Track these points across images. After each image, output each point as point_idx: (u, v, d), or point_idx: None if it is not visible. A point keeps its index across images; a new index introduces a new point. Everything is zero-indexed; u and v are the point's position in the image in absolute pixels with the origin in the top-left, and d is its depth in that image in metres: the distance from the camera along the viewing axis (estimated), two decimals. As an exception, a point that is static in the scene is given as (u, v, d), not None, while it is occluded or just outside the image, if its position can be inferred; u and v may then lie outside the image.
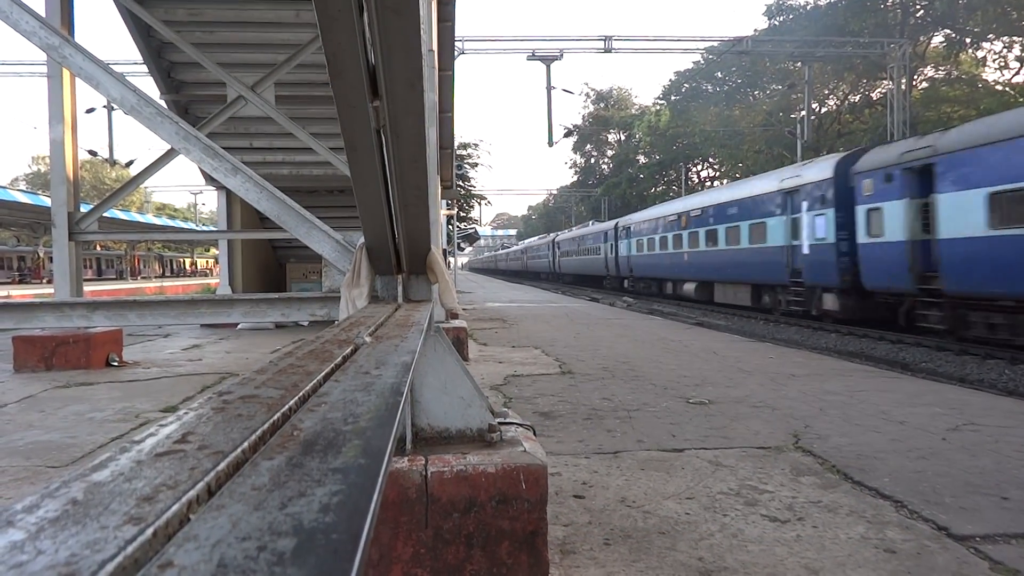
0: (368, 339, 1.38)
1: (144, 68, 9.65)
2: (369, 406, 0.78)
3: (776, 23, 40.69)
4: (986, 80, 35.14)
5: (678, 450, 3.68)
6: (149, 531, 0.41)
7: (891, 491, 2.98)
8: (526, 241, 77.78)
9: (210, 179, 11.25)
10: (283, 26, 8.96)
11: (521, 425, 2.40)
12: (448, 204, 23.34)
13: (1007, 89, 32.82)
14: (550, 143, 28.37)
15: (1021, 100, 28.25)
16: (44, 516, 0.43)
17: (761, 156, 42.81)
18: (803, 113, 32.46)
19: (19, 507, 0.44)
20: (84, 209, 6.91)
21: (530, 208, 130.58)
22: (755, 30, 41.83)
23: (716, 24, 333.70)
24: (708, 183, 56.91)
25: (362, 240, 2.49)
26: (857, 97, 40.31)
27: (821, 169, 16.41)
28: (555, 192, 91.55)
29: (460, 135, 40.45)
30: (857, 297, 15.40)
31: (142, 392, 5.54)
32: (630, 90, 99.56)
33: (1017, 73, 34.43)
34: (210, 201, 73.54)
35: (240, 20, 8.89)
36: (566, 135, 47.15)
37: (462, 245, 42.37)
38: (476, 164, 39.43)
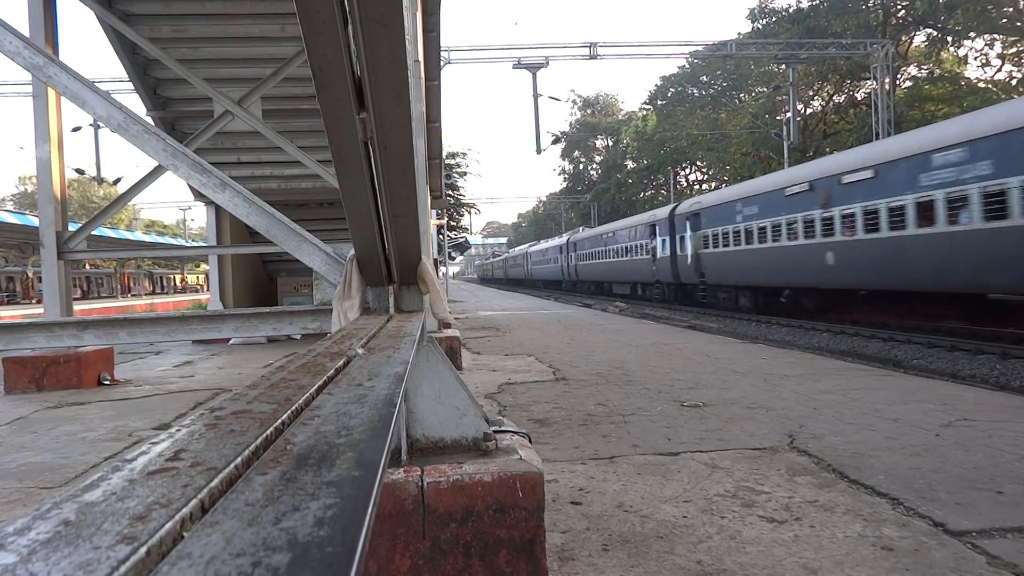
0: (360, 351, 1.38)
1: (130, 85, 9.63)
2: (363, 418, 0.78)
3: (759, 26, 40.96)
4: (968, 78, 35.52)
5: (674, 453, 3.68)
6: (142, 550, 0.41)
7: (887, 488, 2.98)
8: (508, 252, 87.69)
9: (199, 195, 11.20)
10: (268, 40, 8.96)
11: (516, 433, 2.39)
12: (438, 214, 23.47)
13: (990, 86, 33.16)
14: (538, 150, 28.59)
15: (1003, 96, 28.52)
16: (36, 538, 0.42)
17: (748, 159, 43.04)
18: (789, 115, 32.69)
19: (11, 529, 0.43)
20: (72, 228, 6.87)
21: (520, 216, 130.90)
22: (739, 34, 42.17)
23: (700, 28, 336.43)
24: (696, 186, 57.15)
25: (352, 252, 2.49)
26: (842, 98, 40.61)
27: (665, 212, 27.10)
28: (544, 199, 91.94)
29: (448, 144, 40.70)
30: (680, 288, 26.15)
31: (134, 410, 5.49)
32: (616, 95, 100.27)
33: (999, 70, 34.83)
34: (199, 217, 73.45)
35: (225, 36, 8.88)
36: (554, 142, 47.56)
37: (453, 254, 42.42)
38: (465, 173, 39.57)
